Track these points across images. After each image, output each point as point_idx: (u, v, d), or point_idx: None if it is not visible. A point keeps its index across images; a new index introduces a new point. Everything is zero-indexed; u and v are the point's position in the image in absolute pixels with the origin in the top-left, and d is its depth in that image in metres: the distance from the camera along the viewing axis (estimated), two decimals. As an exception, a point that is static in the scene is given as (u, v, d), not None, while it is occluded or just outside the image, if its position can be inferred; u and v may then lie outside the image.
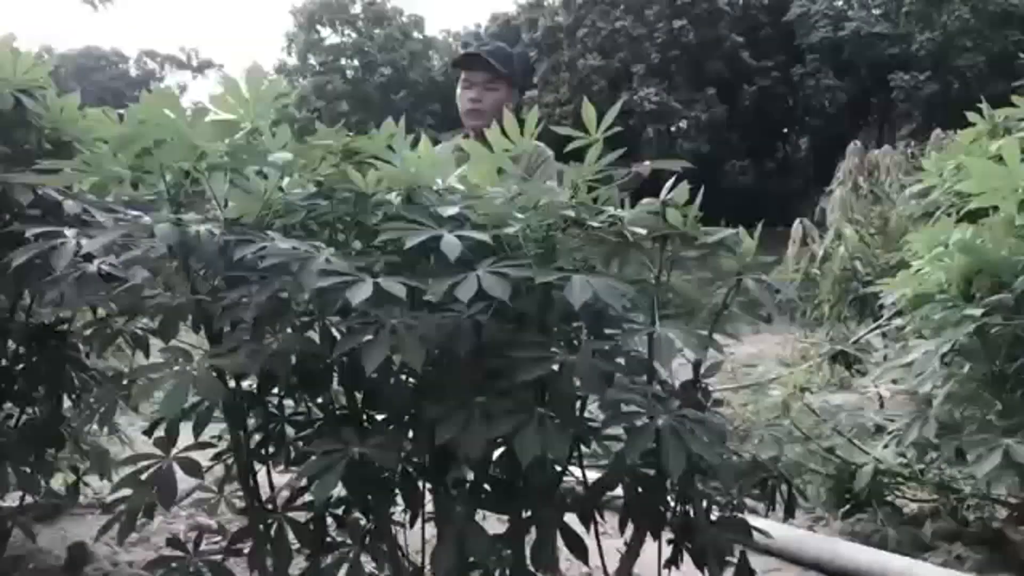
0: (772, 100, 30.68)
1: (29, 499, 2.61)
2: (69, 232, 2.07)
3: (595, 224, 1.82)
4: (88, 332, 2.19)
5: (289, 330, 1.91)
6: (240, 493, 2.28)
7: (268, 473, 2.19)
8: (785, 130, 32.81)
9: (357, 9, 37.28)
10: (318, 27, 37.69)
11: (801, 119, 31.59)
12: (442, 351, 1.80)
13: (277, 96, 2.07)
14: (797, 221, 7.15)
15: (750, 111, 30.42)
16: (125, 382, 2.17)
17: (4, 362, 2.57)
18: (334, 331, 2.03)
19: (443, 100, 34.78)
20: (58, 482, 2.91)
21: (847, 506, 3.57)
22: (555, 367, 1.71)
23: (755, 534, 2.02)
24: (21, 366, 2.59)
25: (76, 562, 2.67)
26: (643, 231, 1.79)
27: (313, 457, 1.79)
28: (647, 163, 2.19)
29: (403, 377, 1.97)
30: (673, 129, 29.37)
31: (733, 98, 29.96)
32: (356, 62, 36.88)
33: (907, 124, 28.24)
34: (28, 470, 2.41)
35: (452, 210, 1.85)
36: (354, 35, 37.17)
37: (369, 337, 1.64)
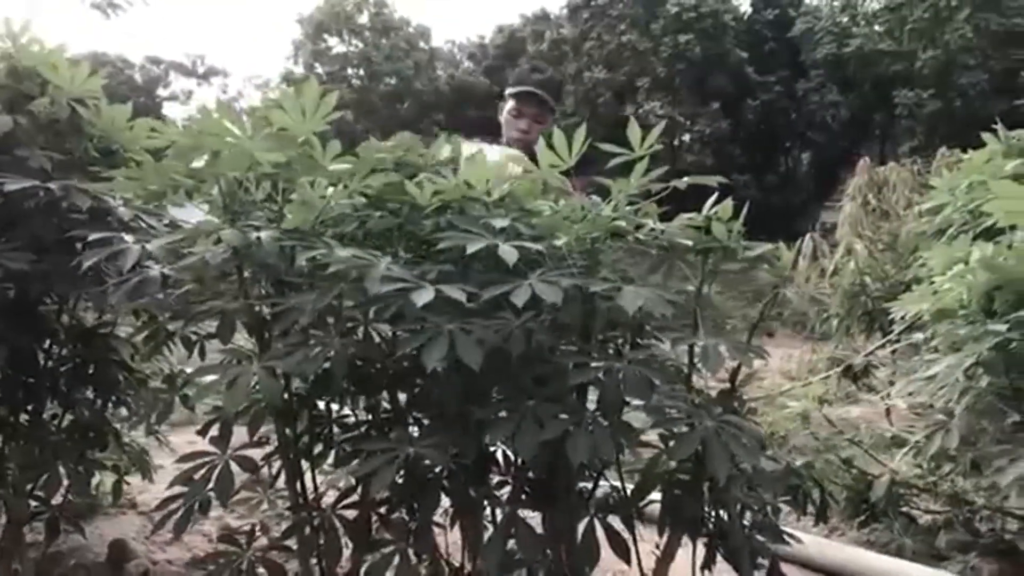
0: (775, 115, 30.84)
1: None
2: (128, 237, 2.16)
3: (640, 237, 1.90)
4: (143, 334, 2.26)
5: (341, 335, 1.99)
6: (282, 494, 2.37)
7: (312, 474, 2.26)
8: (787, 144, 32.95)
9: (364, 19, 37.49)
10: (325, 36, 37.90)
11: (803, 134, 31.72)
12: (491, 357, 1.87)
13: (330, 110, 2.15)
14: (807, 236, 7.23)
15: (753, 125, 30.58)
16: (180, 383, 2.25)
17: (50, 363, 2.65)
18: (375, 335, 2.12)
19: (447, 110, 34.98)
20: (95, 482, 2.98)
21: (863, 516, 3.64)
22: (601, 375, 1.79)
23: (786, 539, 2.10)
24: (66, 366, 2.66)
25: (118, 558, 2.73)
26: (688, 243, 1.86)
27: (363, 457, 1.88)
28: (685, 179, 2.26)
29: (451, 382, 2.05)
30: (677, 143, 29.47)
31: (737, 112, 30.14)
32: (362, 71, 37.08)
33: (909, 141, 28.37)
34: (79, 469, 2.48)
35: (503, 222, 1.93)
36: (360, 45, 37.37)
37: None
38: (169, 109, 41.35)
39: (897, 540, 3.38)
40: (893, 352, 5.76)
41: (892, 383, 5.43)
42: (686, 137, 29.63)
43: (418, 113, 34.62)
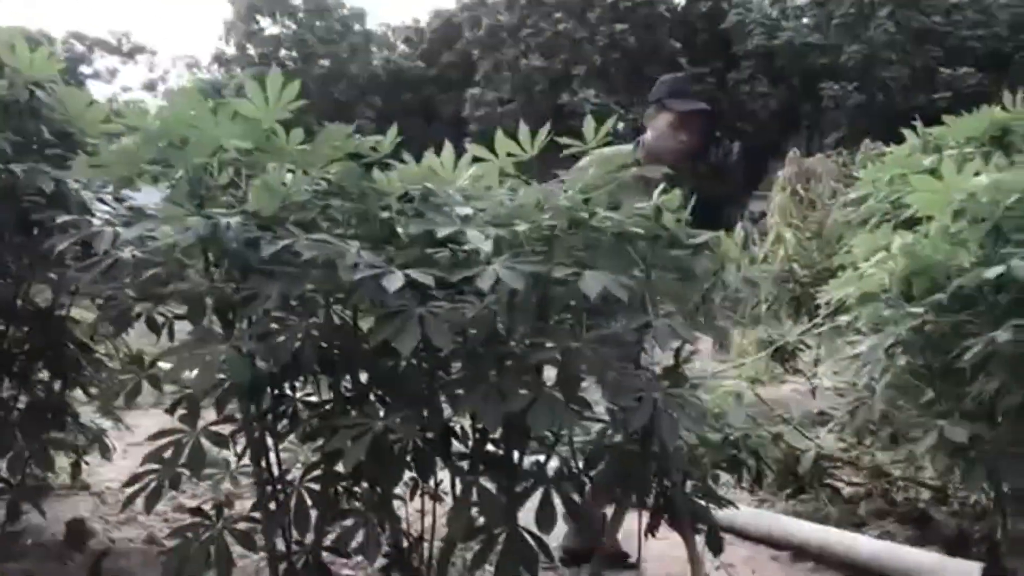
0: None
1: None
2: (96, 221, 2.21)
3: (595, 224, 2.03)
4: (109, 316, 2.30)
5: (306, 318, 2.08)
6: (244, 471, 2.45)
7: (276, 451, 2.34)
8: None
9: (297, 0, 36.84)
10: (257, 17, 37.14)
11: (734, 124, 32.43)
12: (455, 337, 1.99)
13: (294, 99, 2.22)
14: (739, 224, 7.52)
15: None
16: (147, 363, 2.31)
17: (5, 345, 2.66)
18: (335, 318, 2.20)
19: (383, 94, 34.69)
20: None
21: (791, 488, 3.89)
22: (558, 354, 1.92)
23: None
24: (23, 348, 2.68)
25: (76, 537, 2.77)
26: (639, 231, 2.01)
27: (332, 433, 1.98)
28: (633, 170, 2.40)
29: (415, 361, 2.16)
30: (613, 132, 29.80)
31: (670, 102, 30.66)
32: (295, 53, 36.46)
33: (834, 132, 29.25)
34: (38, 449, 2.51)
35: (466, 210, 2.04)
36: (294, 26, 36.73)
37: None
38: (93, 88, 39.98)
39: (822, 509, 3.62)
40: (819, 335, 6.07)
41: (817, 363, 5.74)
42: (620, 126, 30.00)
43: (353, 96, 34.26)
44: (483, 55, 32.27)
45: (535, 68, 30.01)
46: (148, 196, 2.61)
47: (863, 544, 3.18)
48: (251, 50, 37.12)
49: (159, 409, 4.47)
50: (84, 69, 41.30)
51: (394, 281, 1.76)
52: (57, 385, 2.71)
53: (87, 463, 2.92)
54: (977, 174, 2.62)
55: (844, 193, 6.35)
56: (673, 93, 3.33)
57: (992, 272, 2.32)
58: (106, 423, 3.00)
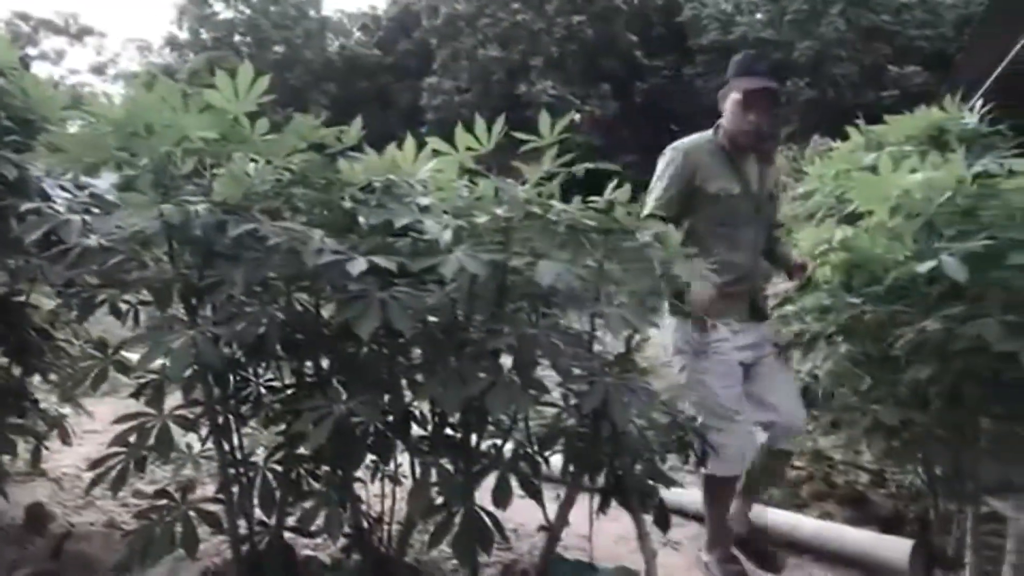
0: (662, 98, 31.76)
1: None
2: (61, 208, 2.23)
3: (551, 217, 2.12)
4: (73, 303, 2.32)
5: (269, 304, 2.13)
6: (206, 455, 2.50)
7: (239, 434, 2.40)
8: (674, 127, 33.98)
9: (252, -16, 36.29)
10: (210, 1, 36.51)
11: (689, 117, 32.78)
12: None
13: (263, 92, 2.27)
14: (691, 217, 7.65)
15: (642, 108, 31.43)
16: (111, 350, 2.34)
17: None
18: (298, 304, 2.27)
19: (339, 81, 34.37)
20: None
21: (738, 472, 4.05)
22: (514, 340, 2.01)
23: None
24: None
25: (37, 522, 2.78)
26: (592, 223, 2.10)
27: (296, 415, 2.04)
28: (586, 164, 2.46)
29: (376, 347, 2.23)
30: (569, 122, 29.94)
31: (626, 94, 30.91)
32: (249, 39, 35.91)
33: (786, 127, 29.76)
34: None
35: (427, 200, 2.12)
36: (247, 11, 36.18)
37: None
38: (39, 69, 38.94)
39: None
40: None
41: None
42: (577, 117, 30.16)
43: (308, 83, 33.89)
44: (440, 44, 32.17)
45: (492, 58, 30.01)
46: (96, 182, 2.64)
47: (805, 524, 3.34)
48: (204, 34, 36.48)
49: (115, 397, 4.49)
50: (30, 51, 40.21)
51: (357, 266, 1.83)
52: (17, 371, 2.72)
53: (47, 448, 2.92)
54: (914, 171, 2.76)
55: (794, 187, 6.50)
56: (739, 72, 3.14)
57: (924, 267, 2.46)
58: (65, 409, 3.02)
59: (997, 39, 5.88)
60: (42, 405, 2.91)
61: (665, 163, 3.03)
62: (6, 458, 2.99)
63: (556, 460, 2.41)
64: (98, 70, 42.55)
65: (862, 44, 28.45)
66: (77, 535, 2.74)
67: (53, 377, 2.81)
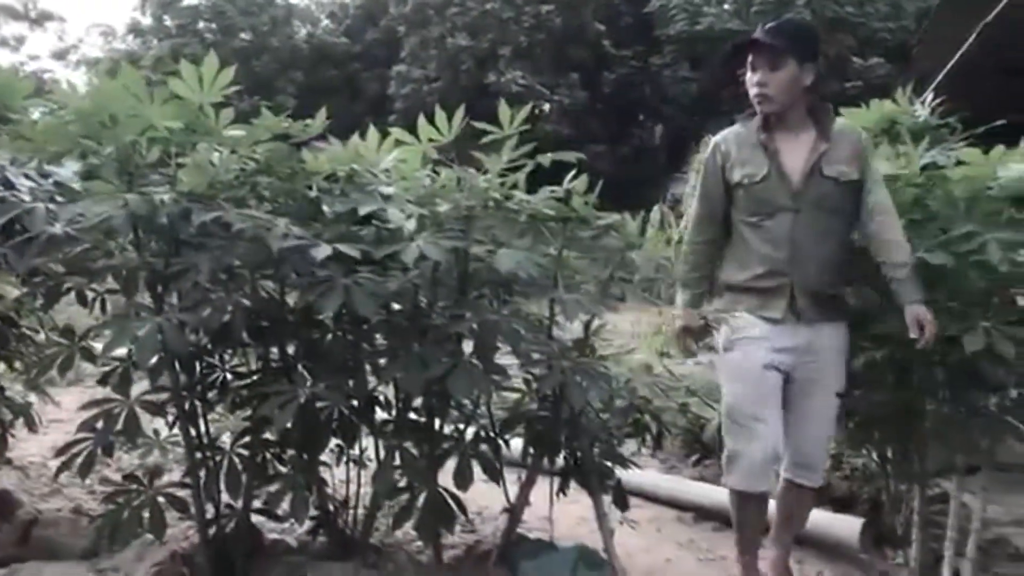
0: (630, 88, 31.88)
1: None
2: (26, 196, 2.25)
3: (511, 207, 2.19)
4: (41, 289, 2.34)
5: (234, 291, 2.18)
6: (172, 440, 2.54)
7: (205, 419, 2.44)
8: (642, 117, 34.18)
9: (216, -30, 35.77)
10: (174, -15, 35.93)
11: (656, 108, 32.99)
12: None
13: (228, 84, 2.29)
14: (656, 207, 7.77)
15: (609, 98, 31.54)
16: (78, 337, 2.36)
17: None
18: (260, 292, 2.31)
19: (306, 68, 34.06)
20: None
21: (696, 455, 4.15)
22: (475, 325, 2.08)
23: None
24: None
25: (4, 508, 2.79)
26: (551, 212, 2.17)
27: (262, 400, 2.09)
28: (549, 155, 2.52)
29: (340, 333, 2.29)
30: (537, 112, 30.06)
31: (594, 84, 31.01)
32: (214, 25, 35.40)
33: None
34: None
35: (390, 189, 2.17)
36: (213, -3, 35.67)
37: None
38: (-2, 55, 38.15)
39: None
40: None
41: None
42: (546, 107, 30.23)
43: (275, 71, 33.51)
44: (409, 32, 31.98)
45: (461, 47, 29.91)
46: (58, 170, 2.65)
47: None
48: (168, 21, 35.90)
49: (80, 386, 4.46)
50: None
51: (321, 252, 1.88)
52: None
53: (13, 436, 2.94)
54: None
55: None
56: None
57: None
58: (31, 398, 3.03)
59: (949, 33, 6.02)
60: (8, 393, 2.92)
61: (702, 159, 2.78)
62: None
63: (517, 444, 2.49)
64: (60, 56, 41.72)
65: (827, 35, 28.71)
66: (44, 521, 2.76)
67: (18, 365, 2.82)
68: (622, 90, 31.90)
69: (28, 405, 2.90)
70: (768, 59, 2.54)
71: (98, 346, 2.26)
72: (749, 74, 2.60)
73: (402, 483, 2.19)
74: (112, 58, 28.47)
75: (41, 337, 2.81)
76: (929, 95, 4.17)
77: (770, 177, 2.56)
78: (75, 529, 2.75)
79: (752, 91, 2.60)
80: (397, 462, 2.18)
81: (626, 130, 32.93)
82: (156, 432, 2.49)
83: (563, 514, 2.74)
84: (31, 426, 2.86)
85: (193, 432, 2.34)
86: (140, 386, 2.28)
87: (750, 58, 2.58)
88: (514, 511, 2.45)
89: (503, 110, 2.22)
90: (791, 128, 2.60)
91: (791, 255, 2.53)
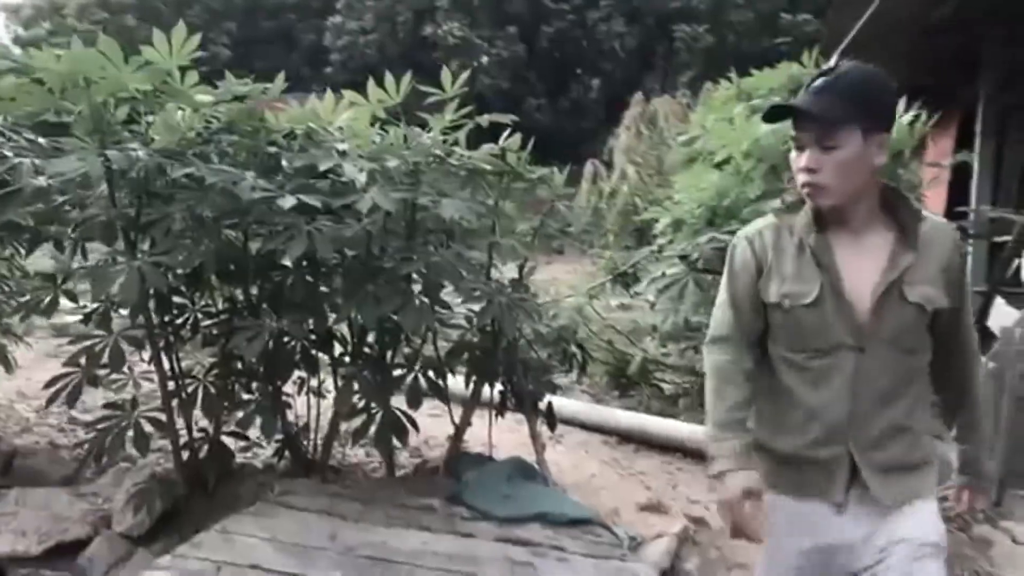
0: (568, 42, 32.02)
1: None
2: (8, 152, 2.45)
3: (453, 162, 2.48)
4: (24, 236, 2.55)
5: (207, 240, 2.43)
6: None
7: (176, 356, 2.69)
8: (579, 72, 34.37)
9: (141, -86, 34.43)
10: (96, -70, 34.51)
11: (594, 62, 33.21)
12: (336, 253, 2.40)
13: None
14: (589, 162, 8.14)
15: (547, 52, 31.64)
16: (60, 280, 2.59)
17: None
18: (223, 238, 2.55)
19: (240, 19, 33.23)
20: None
21: (621, 388, 4.56)
22: (423, 267, 2.37)
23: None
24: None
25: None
26: (488, 167, 2.47)
27: (232, 333, 2.37)
28: (486, 116, 2.78)
29: (301, 276, 2.56)
30: (475, 64, 30.00)
31: (532, 38, 31.04)
32: (143, -28, 34.23)
33: (687, 71, 30.53)
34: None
35: (345, 146, 2.44)
36: (140, -58, 34.39)
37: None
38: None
39: (646, 404, 4.29)
40: (657, 260, 6.79)
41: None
42: (484, 59, 30.18)
43: (207, 22, 32.56)
44: (345, -18, 31.46)
45: (397, -1, 29.61)
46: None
47: (681, 428, 3.83)
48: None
49: (32, 338, 4.62)
50: None
51: (287, 202, 2.14)
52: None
53: (-10, 374, 3.14)
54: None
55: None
56: None
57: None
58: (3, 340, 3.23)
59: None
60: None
61: (727, 259, 1.70)
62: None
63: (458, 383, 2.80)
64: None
65: (756, -10, 29.29)
66: (24, 451, 2.99)
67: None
68: (559, 44, 32.01)
69: (2, 347, 3.10)
70: (820, 134, 1.58)
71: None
72: (794, 154, 1.65)
73: (360, 405, 2.50)
74: (35, 4, 27.35)
75: (13, 284, 3.00)
76: (836, 55, 4.54)
77: (823, 300, 1.63)
78: (54, 459, 2.99)
79: (799, 179, 1.64)
80: (356, 388, 2.48)
81: (564, 84, 33.07)
82: (130, 368, 2.75)
83: (503, 442, 3.07)
84: (8, 368, 3.07)
85: (167, 366, 2.60)
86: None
87: (793, 131, 1.61)
88: (458, 430, 2.78)
89: (445, 73, 2.49)
90: (855, 229, 1.64)
91: (850, 411, 1.63)
